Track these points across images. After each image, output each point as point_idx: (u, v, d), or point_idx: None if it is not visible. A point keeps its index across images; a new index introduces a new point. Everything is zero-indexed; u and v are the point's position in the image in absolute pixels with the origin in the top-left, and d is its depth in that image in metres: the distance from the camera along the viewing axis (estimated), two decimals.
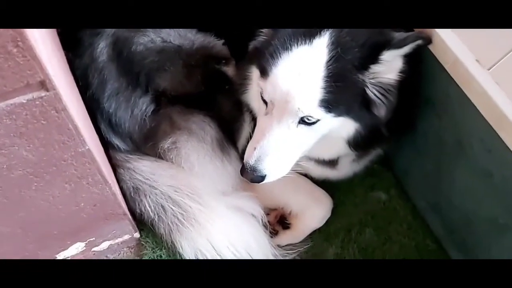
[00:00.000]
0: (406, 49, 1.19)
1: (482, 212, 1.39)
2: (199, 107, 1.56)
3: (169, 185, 1.53)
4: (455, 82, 1.21)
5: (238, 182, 1.65)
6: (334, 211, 1.72)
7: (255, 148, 1.31)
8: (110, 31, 1.53)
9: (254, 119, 1.60)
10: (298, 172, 1.64)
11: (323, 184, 1.73)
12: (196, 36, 1.57)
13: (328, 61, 1.18)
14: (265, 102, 1.30)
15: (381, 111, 1.27)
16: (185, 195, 1.52)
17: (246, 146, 1.63)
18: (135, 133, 1.54)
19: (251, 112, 1.59)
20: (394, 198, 1.79)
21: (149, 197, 1.53)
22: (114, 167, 1.55)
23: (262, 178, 1.34)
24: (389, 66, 1.21)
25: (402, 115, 1.36)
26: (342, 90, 1.20)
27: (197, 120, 1.55)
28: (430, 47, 1.24)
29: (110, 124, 1.53)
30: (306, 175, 1.71)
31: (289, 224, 1.70)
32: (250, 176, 1.34)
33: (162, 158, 1.56)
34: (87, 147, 1.06)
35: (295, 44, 1.20)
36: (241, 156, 1.63)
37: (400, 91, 1.28)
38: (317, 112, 1.22)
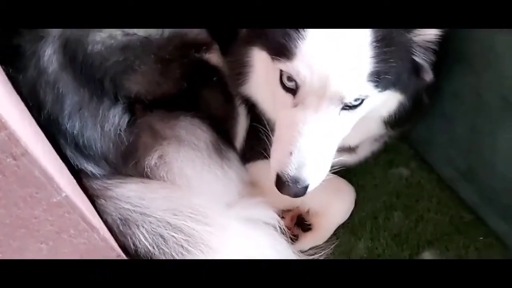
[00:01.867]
0: None
1: None
2: (184, 108, 1.30)
3: (165, 208, 1.27)
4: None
5: (242, 187, 1.41)
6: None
7: (291, 153, 1.05)
8: (55, 32, 1.25)
9: (250, 112, 1.35)
10: None
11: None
12: None
13: None
14: (289, 90, 1.05)
15: (429, 74, 1.08)
16: (187, 217, 1.26)
17: (244, 144, 1.41)
18: (110, 153, 1.27)
19: (247, 103, 1.32)
20: (416, 172, 1.61)
21: (143, 227, 1.26)
22: (92, 199, 1.26)
23: (306, 188, 1.09)
24: None
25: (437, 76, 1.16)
26: (393, 56, 0.99)
27: (184, 124, 1.30)
28: None
29: (78, 148, 1.25)
30: None
31: (309, 224, 1.49)
32: (294, 190, 1.09)
33: (150, 178, 1.29)
34: (63, 195, 0.78)
35: None
36: (242, 157, 1.42)
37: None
38: (366, 89, 1.00)
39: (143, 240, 1.25)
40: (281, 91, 1.07)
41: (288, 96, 1.06)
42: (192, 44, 1.31)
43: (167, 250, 1.26)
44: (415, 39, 1.03)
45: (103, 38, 1.25)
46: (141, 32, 1.27)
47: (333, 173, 1.46)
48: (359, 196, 1.53)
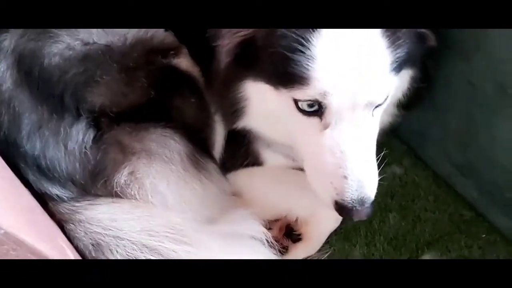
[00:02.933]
0: None
1: None
2: (154, 119, 1.21)
3: (139, 229, 1.16)
4: None
5: (224, 200, 1.31)
6: None
7: (345, 177, 0.97)
8: (8, 46, 1.17)
9: None
10: (293, 168, 1.37)
11: None
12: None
13: None
14: (313, 114, 0.98)
15: (432, 38, 1.03)
16: (164, 238, 1.16)
17: (224, 153, 1.32)
18: (77, 173, 1.18)
19: None
20: (410, 169, 1.53)
21: (116, 252, 1.16)
22: (61, 224, 1.17)
23: (373, 203, 1.02)
24: None
25: None
26: (403, 36, 0.94)
27: (155, 136, 1.20)
28: None
29: (40, 170, 1.16)
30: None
31: (299, 234, 1.39)
32: (364, 212, 1.01)
33: (121, 197, 1.19)
34: (2, 231, 0.68)
35: None
36: (222, 167, 1.33)
37: None
38: (391, 81, 0.96)
39: None
40: (302, 118, 0.99)
41: (313, 120, 0.99)
42: (159, 50, 1.21)
43: None
44: None
45: (61, 49, 1.16)
46: (101, 40, 1.18)
47: None
48: None
